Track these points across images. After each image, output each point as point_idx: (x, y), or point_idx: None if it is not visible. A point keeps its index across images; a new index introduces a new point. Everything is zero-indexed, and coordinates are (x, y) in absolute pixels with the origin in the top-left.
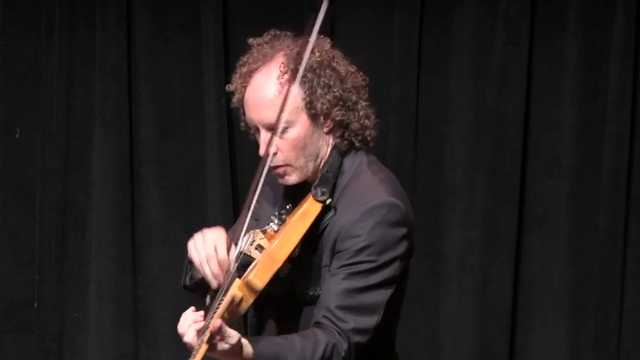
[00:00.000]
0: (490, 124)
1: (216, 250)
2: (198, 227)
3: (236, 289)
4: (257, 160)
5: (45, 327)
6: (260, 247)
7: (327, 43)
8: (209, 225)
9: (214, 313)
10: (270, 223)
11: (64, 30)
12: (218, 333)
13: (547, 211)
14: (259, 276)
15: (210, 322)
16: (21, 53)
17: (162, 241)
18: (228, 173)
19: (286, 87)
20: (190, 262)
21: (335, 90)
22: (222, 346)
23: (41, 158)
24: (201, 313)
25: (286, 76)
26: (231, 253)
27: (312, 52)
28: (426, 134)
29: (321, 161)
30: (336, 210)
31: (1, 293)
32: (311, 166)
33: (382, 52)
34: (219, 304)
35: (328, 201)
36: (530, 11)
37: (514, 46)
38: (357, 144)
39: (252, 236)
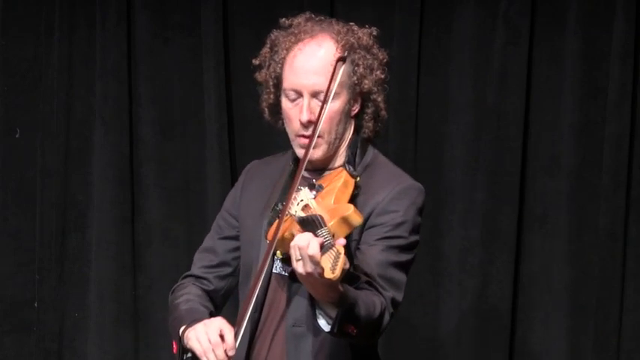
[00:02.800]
0: (490, 124)
1: (222, 337)
2: (198, 227)
3: (329, 226)
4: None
5: (45, 327)
6: (306, 208)
7: (373, 30)
8: (209, 225)
9: (327, 238)
10: (303, 192)
11: (64, 30)
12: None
13: (547, 211)
14: (358, 212)
15: (331, 242)
16: (21, 53)
17: (162, 241)
18: (228, 173)
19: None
20: (180, 347)
21: (376, 73)
22: (347, 264)
23: (41, 158)
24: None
25: (339, 50)
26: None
27: (360, 33)
28: (426, 134)
29: (342, 143)
30: (359, 190)
31: (1, 293)
32: (336, 145)
33: None
34: (322, 233)
35: (358, 178)
36: (530, 11)
37: (514, 46)
38: (375, 132)
39: (296, 197)
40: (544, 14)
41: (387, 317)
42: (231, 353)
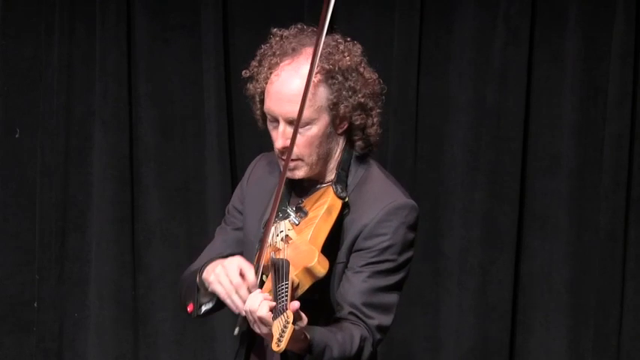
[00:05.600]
0: (490, 124)
1: (243, 277)
2: (198, 227)
3: (294, 275)
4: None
5: (45, 327)
6: (286, 238)
7: (357, 48)
8: (209, 225)
9: (282, 296)
10: (289, 217)
11: (64, 30)
12: (296, 314)
13: (547, 211)
14: (321, 263)
15: (285, 304)
16: (21, 53)
17: (162, 241)
18: (228, 173)
19: (316, 86)
20: (198, 290)
21: (359, 95)
22: (300, 325)
23: (41, 158)
24: (266, 294)
25: (318, 76)
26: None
27: (343, 55)
28: (426, 134)
29: (329, 160)
30: (349, 209)
31: (1, 293)
32: (320, 164)
33: (382, 52)
34: (281, 288)
35: (347, 199)
36: (530, 11)
37: (514, 46)
38: (367, 148)
39: (277, 227)
40: (544, 14)
41: (368, 348)
42: (254, 291)
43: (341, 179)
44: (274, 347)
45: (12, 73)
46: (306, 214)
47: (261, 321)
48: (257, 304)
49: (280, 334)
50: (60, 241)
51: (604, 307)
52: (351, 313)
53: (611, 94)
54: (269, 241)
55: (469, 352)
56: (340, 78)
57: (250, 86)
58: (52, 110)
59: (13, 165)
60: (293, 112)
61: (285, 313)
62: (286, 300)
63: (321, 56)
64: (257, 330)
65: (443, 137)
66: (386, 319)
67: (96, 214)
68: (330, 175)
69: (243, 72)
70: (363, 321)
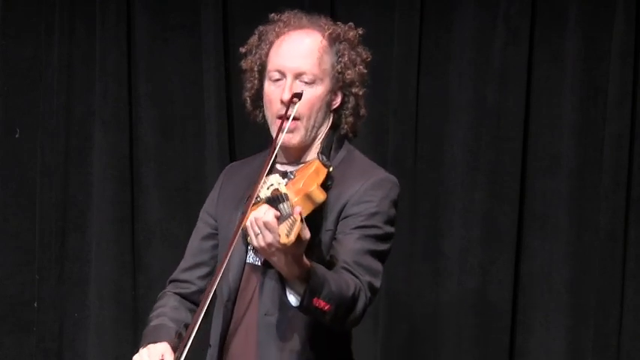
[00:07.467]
0: (490, 124)
1: None
2: None
3: (294, 202)
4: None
5: (45, 327)
6: (276, 191)
7: (359, 30)
8: None
9: (285, 211)
10: (273, 177)
11: (64, 30)
12: (301, 216)
13: (547, 211)
14: (320, 190)
15: (289, 213)
16: (21, 53)
17: (162, 241)
18: None
19: (323, 49)
20: None
21: (359, 67)
22: (305, 234)
23: (41, 158)
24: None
25: (325, 42)
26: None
27: (346, 29)
28: (426, 134)
29: (317, 136)
30: (332, 182)
31: (1, 293)
32: (313, 134)
33: (382, 52)
34: (283, 207)
35: (331, 168)
36: (530, 11)
37: (514, 46)
38: (353, 127)
39: (267, 181)
40: (544, 14)
41: (363, 299)
42: None
43: (324, 152)
44: (284, 239)
45: (12, 73)
46: (293, 175)
47: (267, 226)
48: (262, 212)
49: (289, 230)
50: (60, 241)
51: (604, 307)
52: (343, 268)
53: (611, 94)
54: (257, 193)
55: (469, 352)
56: (345, 45)
57: (248, 59)
58: (52, 110)
59: (13, 165)
60: (302, 66)
61: (290, 217)
62: (289, 210)
63: (327, 24)
64: (260, 243)
65: (443, 137)
66: (375, 281)
67: (96, 214)
68: (314, 153)
69: (241, 48)
70: (356, 276)
